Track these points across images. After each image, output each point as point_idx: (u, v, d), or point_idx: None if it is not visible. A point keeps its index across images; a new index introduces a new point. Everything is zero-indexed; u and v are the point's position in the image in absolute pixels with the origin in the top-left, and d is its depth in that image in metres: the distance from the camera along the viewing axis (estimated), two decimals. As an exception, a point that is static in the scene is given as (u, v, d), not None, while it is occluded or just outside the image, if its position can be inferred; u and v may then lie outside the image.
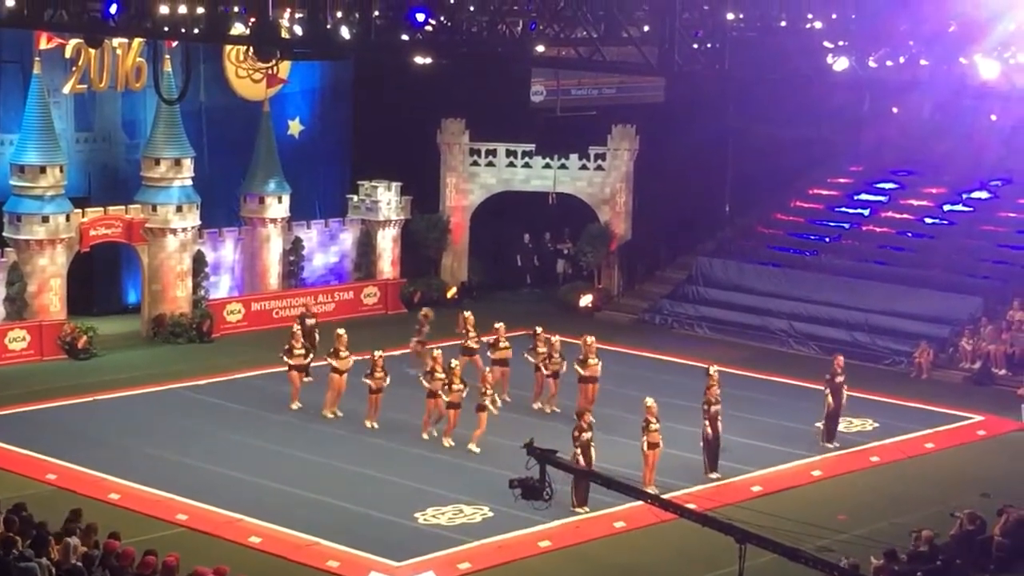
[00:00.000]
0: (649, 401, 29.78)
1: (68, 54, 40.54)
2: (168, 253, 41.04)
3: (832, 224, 47.67)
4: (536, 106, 47.24)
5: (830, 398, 32.82)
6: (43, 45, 39.56)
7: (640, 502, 19.88)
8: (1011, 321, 39.79)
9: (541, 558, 26.40)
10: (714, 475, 30.46)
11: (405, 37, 25.46)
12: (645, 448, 29.38)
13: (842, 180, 49.91)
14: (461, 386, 31.98)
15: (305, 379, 36.00)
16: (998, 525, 25.75)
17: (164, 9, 27.39)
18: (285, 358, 34.78)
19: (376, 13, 25.82)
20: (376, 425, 33.11)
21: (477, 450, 31.35)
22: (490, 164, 47.59)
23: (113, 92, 42.03)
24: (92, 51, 39.97)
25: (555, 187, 47.15)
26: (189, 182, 41.38)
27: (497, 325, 35.76)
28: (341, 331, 34.42)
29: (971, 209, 46.57)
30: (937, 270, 43.22)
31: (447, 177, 47.68)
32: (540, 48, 26.64)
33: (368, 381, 33.09)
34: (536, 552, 26.53)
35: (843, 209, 48.29)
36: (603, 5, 25.35)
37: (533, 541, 26.79)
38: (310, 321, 37.64)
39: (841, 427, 34.04)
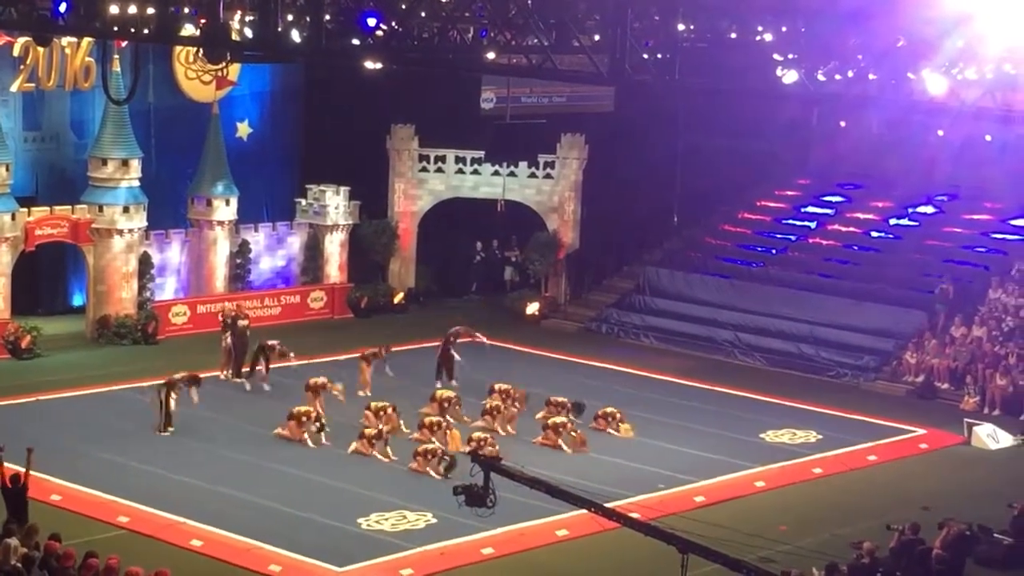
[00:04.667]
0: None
1: (16, 52, 40.26)
2: (114, 254, 40.79)
3: (779, 236, 47.78)
4: (486, 113, 47.23)
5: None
6: (-10, 43, 39.39)
7: (583, 510, 19.88)
8: (954, 336, 40.03)
9: (484, 565, 26.37)
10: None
11: (356, 42, 25.41)
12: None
13: (790, 193, 50.05)
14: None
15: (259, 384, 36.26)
16: (939, 538, 25.88)
17: (114, 9, 27.27)
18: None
19: (327, 17, 25.79)
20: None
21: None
22: (439, 170, 47.48)
23: (61, 91, 41.77)
24: (41, 50, 39.68)
25: (504, 195, 47.11)
26: (136, 183, 41.12)
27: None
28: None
29: (916, 224, 46.78)
30: (883, 284, 43.35)
31: (396, 183, 47.51)
32: (491, 55, 26.64)
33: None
34: (479, 559, 26.50)
35: (790, 221, 48.44)
36: (554, 13, 25.39)
37: (476, 548, 26.74)
38: (243, 323, 37.37)
39: (784, 438, 34.20)
